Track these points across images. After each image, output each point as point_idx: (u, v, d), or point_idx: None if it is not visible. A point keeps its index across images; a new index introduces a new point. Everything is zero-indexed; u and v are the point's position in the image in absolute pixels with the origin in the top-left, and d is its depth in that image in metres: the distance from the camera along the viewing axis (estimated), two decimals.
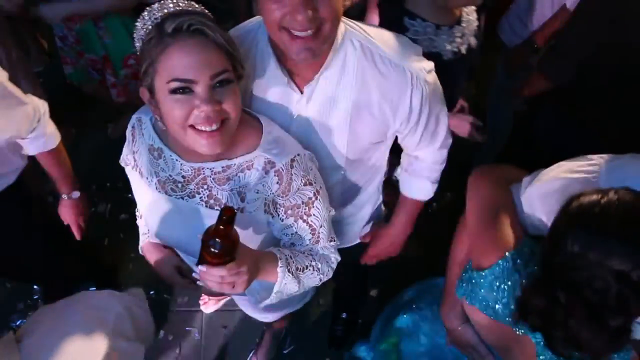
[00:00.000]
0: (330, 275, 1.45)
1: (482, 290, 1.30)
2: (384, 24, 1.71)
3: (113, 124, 3.46)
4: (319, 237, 1.35)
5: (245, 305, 1.90)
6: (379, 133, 1.41)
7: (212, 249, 1.08)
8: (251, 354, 2.62)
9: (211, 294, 1.60)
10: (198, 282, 1.17)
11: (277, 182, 1.23)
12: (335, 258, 1.42)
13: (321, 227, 1.34)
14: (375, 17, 1.93)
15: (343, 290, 2.55)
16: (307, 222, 1.31)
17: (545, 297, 1.07)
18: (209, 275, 1.11)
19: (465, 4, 1.76)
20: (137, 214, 1.63)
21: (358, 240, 1.87)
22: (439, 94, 1.43)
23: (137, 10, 2.55)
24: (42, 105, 1.77)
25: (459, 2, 1.73)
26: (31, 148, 1.80)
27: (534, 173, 1.38)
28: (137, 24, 1.15)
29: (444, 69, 1.64)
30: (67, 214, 2.04)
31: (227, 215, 1.07)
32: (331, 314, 2.71)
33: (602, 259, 0.99)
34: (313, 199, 1.29)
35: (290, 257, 1.31)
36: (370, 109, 1.34)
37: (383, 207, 1.90)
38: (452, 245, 1.60)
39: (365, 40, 1.30)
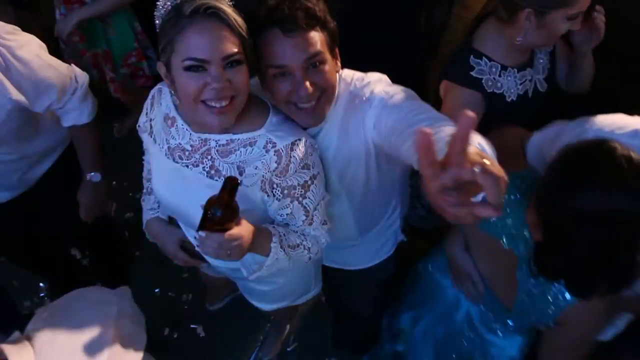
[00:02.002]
0: (319, 255, 1.54)
1: None
2: (448, 61, 1.81)
3: (118, 124, 3.51)
4: (312, 219, 1.43)
5: (246, 292, 1.96)
6: (365, 152, 1.48)
7: (214, 216, 1.16)
8: (255, 351, 2.64)
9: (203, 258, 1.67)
10: (197, 248, 1.24)
11: (276, 162, 1.32)
12: (325, 240, 1.51)
13: (315, 210, 1.42)
14: None
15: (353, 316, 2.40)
16: (302, 204, 1.39)
17: (559, 258, 1.24)
18: (209, 241, 1.19)
19: (539, 46, 1.78)
20: (144, 190, 1.72)
21: (377, 261, 1.94)
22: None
23: (136, 5, 2.58)
24: (82, 76, 1.84)
25: (533, 43, 1.73)
26: (67, 119, 1.87)
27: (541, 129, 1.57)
28: (157, 2, 1.24)
29: (506, 110, 1.76)
30: (83, 196, 2.06)
31: (231, 185, 1.15)
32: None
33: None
34: (309, 182, 1.37)
35: (284, 234, 1.40)
36: (351, 151, 1.46)
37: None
38: None
39: (354, 87, 1.44)
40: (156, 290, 2.86)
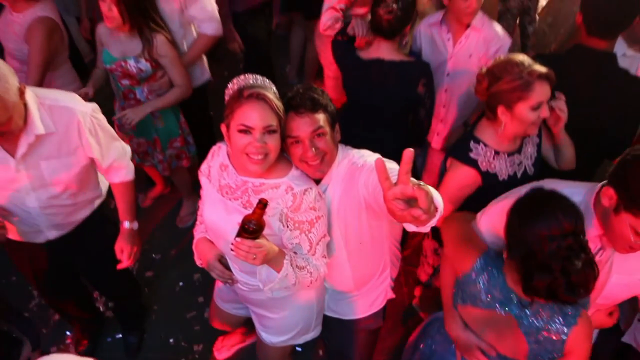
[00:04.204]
0: (318, 283, 2.03)
1: (469, 287, 1.90)
2: (453, 145, 2.43)
3: (142, 194, 3.94)
4: (315, 250, 1.92)
5: (257, 320, 2.36)
6: (358, 207, 1.97)
7: (247, 227, 1.67)
8: None
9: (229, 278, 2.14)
10: (231, 252, 1.70)
11: (292, 201, 1.85)
12: (324, 270, 1.98)
13: (317, 244, 1.92)
14: None
15: None
16: (307, 237, 1.89)
17: (543, 274, 1.64)
18: (241, 245, 1.67)
19: (520, 134, 2.20)
20: (197, 222, 2.27)
21: (369, 313, 2.36)
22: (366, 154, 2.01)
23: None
24: (127, 145, 2.42)
25: (515, 132, 2.17)
26: (115, 176, 2.42)
27: (484, 209, 2.04)
28: (229, 84, 1.85)
29: (498, 187, 2.20)
30: (125, 242, 2.54)
31: (263, 204, 1.67)
32: None
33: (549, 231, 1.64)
34: (314, 220, 1.89)
35: (293, 256, 1.88)
36: (350, 205, 1.97)
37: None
38: (441, 275, 2.15)
39: (353, 157, 1.98)
40: (170, 340, 3.22)
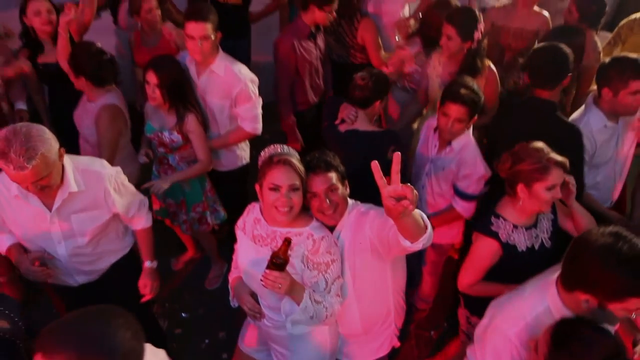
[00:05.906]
0: (333, 319, 2.35)
1: None
2: (472, 220, 2.88)
3: (175, 259, 4.30)
4: (330, 289, 2.28)
5: (276, 357, 2.63)
6: (365, 249, 2.34)
7: (275, 261, 2.06)
8: None
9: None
10: (261, 283, 2.10)
11: (312, 245, 2.25)
12: (338, 307, 2.32)
13: (332, 283, 2.28)
14: None
15: None
16: (324, 276, 2.27)
17: None
18: (269, 275, 2.07)
19: (536, 210, 2.49)
20: (232, 268, 2.65)
21: (374, 357, 2.63)
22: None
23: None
24: (143, 195, 2.85)
25: (532, 209, 2.47)
26: (139, 224, 2.84)
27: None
28: (261, 152, 2.29)
29: (516, 258, 2.50)
30: (147, 279, 2.90)
31: (288, 241, 2.08)
32: None
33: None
34: (330, 263, 2.27)
35: (312, 291, 2.24)
36: (358, 248, 2.35)
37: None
38: None
39: (360, 207, 2.40)
40: None
